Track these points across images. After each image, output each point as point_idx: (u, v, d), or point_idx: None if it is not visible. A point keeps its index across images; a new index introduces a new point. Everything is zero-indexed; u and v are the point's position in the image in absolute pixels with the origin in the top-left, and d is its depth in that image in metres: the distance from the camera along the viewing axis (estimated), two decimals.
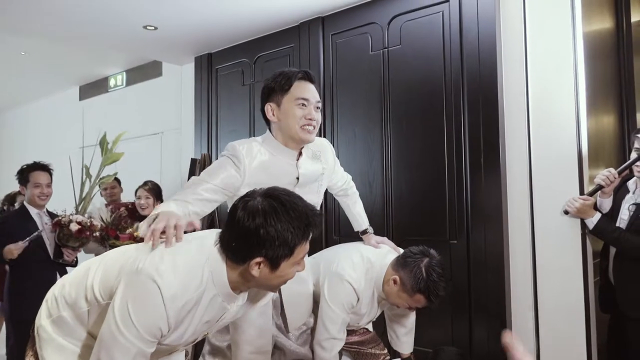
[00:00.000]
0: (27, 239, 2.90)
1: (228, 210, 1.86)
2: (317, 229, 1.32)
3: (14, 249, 2.85)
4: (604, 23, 3.16)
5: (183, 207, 1.58)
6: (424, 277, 1.85)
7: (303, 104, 1.77)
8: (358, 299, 1.96)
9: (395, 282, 1.92)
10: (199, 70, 4.51)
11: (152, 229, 1.32)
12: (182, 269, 1.25)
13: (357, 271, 1.95)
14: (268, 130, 1.87)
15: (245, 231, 1.24)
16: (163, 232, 1.33)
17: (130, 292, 1.21)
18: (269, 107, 1.81)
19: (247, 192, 1.34)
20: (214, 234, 1.38)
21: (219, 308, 1.33)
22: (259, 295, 1.55)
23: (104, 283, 1.31)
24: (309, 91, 1.79)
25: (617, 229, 2.33)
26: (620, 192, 2.47)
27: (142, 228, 1.51)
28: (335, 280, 1.93)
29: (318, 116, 1.81)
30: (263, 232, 1.23)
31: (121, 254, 1.39)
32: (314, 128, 1.81)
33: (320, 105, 1.83)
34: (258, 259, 1.25)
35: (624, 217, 2.38)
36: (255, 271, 1.26)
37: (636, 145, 2.38)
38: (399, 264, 1.95)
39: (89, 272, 1.36)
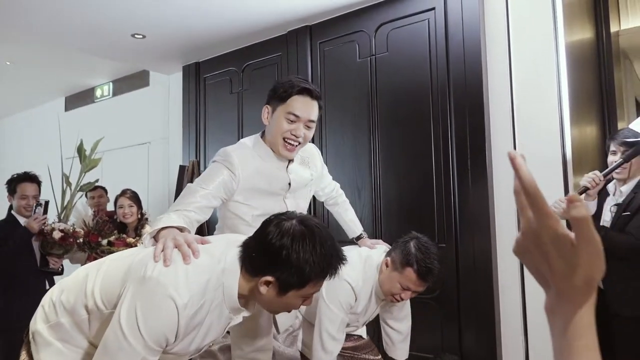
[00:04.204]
0: (41, 211, 2.95)
1: (218, 215, 1.90)
2: (335, 273, 1.30)
3: (34, 223, 2.89)
4: (585, 33, 3.24)
5: (184, 217, 1.56)
6: (412, 251, 1.85)
7: (292, 120, 1.74)
8: (356, 298, 1.95)
9: (386, 264, 1.93)
10: (187, 79, 4.51)
11: (164, 249, 1.27)
12: (193, 277, 1.22)
13: (355, 270, 1.94)
14: (260, 133, 1.87)
15: (269, 246, 1.24)
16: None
17: (140, 300, 1.18)
18: (266, 109, 1.81)
19: (286, 212, 1.33)
20: (231, 239, 1.37)
21: (226, 319, 1.32)
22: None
23: (106, 290, 1.28)
24: (303, 107, 1.75)
25: (603, 228, 2.37)
26: (601, 195, 2.52)
27: (145, 241, 1.48)
28: (333, 279, 1.93)
29: (307, 134, 1.78)
30: (285, 254, 1.22)
31: (122, 259, 1.35)
32: (299, 145, 1.78)
33: (312, 124, 1.78)
34: (269, 278, 1.24)
35: (606, 219, 2.42)
36: (263, 288, 1.25)
37: (612, 148, 2.45)
38: (391, 250, 1.98)
39: (88, 278, 1.33)
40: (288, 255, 1.22)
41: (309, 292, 1.30)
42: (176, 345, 1.23)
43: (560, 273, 0.52)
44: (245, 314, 1.36)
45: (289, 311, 1.37)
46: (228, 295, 1.27)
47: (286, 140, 1.76)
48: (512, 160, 0.54)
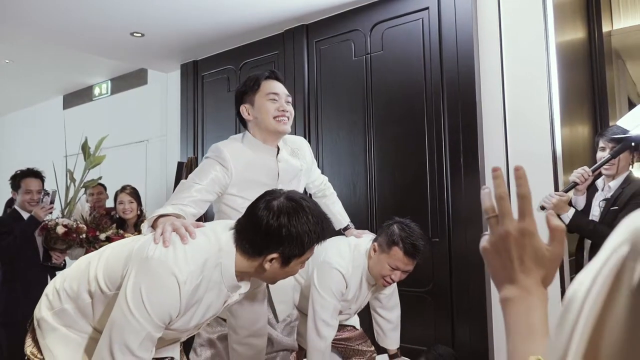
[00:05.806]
0: (49, 200, 3.02)
1: (215, 210, 1.96)
2: (329, 235, 1.43)
3: (40, 211, 2.96)
4: (577, 33, 3.29)
5: (180, 210, 1.63)
6: (397, 232, 1.95)
7: (274, 99, 1.88)
8: (347, 285, 2.02)
9: (374, 249, 2.02)
10: (185, 77, 4.56)
11: (163, 233, 1.33)
12: (191, 256, 1.30)
13: (345, 259, 2.03)
14: (246, 131, 1.97)
15: (268, 228, 1.32)
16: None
17: (144, 279, 1.25)
18: (244, 108, 1.92)
19: (267, 191, 1.42)
20: (223, 224, 1.45)
21: (224, 296, 1.40)
22: (254, 285, 1.61)
23: (109, 274, 1.35)
24: (277, 87, 1.91)
25: (592, 222, 2.42)
26: (589, 191, 2.57)
27: (144, 229, 1.56)
28: (324, 268, 2.01)
29: (290, 108, 1.93)
30: (285, 231, 1.32)
31: (122, 246, 1.43)
32: (288, 119, 1.91)
33: (290, 99, 1.95)
34: (274, 255, 1.34)
35: (595, 214, 2.47)
36: (267, 265, 1.36)
37: (600, 144, 2.50)
38: (376, 236, 2.07)
39: (90, 265, 1.40)
40: (289, 231, 1.32)
41: (308, 257, 1.43)
42: (178, 320, 1.30)
43: (528, 270, 0.61)
44: (242, 290, 1.45)
45: (286, 278, 1.48)
46: (226, 273, 1.35)
47: (277, 118, 1.88)
48: (518, 171, 0.61)
